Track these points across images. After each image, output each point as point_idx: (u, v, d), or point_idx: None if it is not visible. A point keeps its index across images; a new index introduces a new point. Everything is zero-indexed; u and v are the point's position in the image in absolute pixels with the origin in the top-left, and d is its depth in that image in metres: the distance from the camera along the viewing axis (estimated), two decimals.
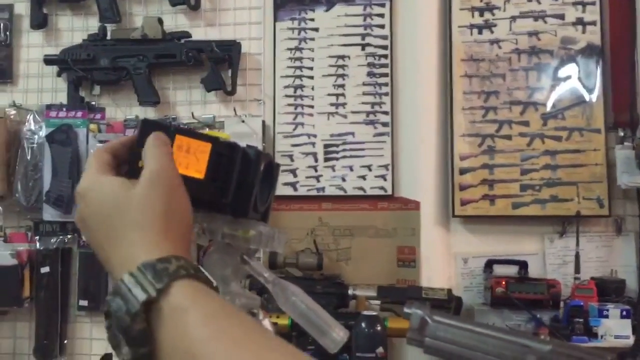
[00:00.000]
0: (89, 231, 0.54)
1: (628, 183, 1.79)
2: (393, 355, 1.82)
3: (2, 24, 2.15)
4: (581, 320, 1.66)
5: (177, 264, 0.47)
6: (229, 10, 2.10)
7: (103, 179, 0.55)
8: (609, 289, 1.77)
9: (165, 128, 0.66)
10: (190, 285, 0.47)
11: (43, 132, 2.01)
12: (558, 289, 1.74)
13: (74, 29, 2.15)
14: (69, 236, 2.02)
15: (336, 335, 0.68)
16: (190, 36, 2.06)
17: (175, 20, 2.11)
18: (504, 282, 1.76)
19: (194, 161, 0.68)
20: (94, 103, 2.09)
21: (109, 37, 2.08)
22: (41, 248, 1.99)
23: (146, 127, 0.65)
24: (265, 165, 0.73)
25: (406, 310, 0.62)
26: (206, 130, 2.02)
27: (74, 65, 2.03)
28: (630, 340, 1.64)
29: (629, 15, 1.89)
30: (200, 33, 2.09)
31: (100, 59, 2.05)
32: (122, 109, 2.11)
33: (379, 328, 1.53)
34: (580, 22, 1.92)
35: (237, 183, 0.70)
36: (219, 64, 2.04)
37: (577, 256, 1.83)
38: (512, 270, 1.86)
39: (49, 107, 2.02)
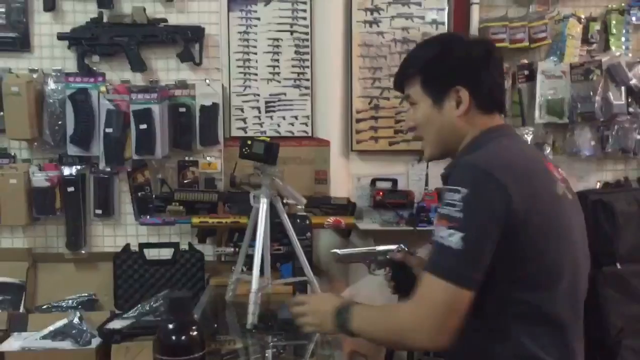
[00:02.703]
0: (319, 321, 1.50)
1: None
2: (315, 238, 2.86)
3: (18, 6, 2.84)
4: (424, 214, 2.76)
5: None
6: (194, 1, 2.90)
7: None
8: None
9: None
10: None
11: (62, 91, 2.78)
12: (412, 196, 2.83)
13: (76, 11, 2.88)
14: (84, 166, 2.85)
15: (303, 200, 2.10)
16: (167, 21, 2.86)
17: (154, 8, 2.89)
18: (381, 193, 2.82)
19: None
20: (95, 69, 2.87)
21: (105, 20, 2.84)
22: (67, 174, 2.82)
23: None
24: None
25: (332, 251, 1.68)
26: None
27: (84, 42, 2.79)
28: None
29: (466, 20, 2.90)
30: (172, 18, 2.89)
31: (101, 37, 2.82)
32: (117, 73, 2.90)
33: (307, 222, 2.53)
34: (434, 22, 2.90)
35: None
36: (190, 42, 2.87)
37: (426, 175, 2.91)
38: (388, 185, 2.93)
39: (68, 74, 2.78)
